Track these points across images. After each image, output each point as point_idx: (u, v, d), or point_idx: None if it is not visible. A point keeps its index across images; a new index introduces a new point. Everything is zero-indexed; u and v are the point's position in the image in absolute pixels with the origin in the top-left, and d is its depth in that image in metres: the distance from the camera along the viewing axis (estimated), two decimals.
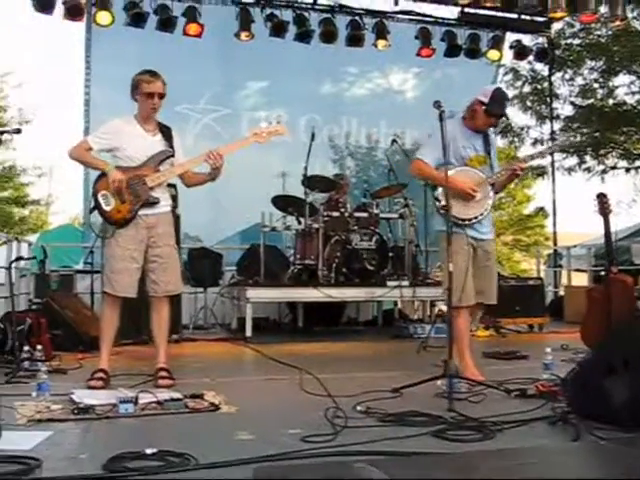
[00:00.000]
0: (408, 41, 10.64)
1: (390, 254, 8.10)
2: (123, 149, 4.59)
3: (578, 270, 11.34)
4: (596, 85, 14.99)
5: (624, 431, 2.99)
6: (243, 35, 9.85)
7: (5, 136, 5.76)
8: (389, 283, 7.67)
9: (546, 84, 13.78)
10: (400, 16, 10.69)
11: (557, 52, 13.26)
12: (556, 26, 12.74)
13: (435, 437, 3.05)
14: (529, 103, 15.18)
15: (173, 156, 4.67)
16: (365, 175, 11.84)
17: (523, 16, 10.83)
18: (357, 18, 10.37)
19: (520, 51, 11.29)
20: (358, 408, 3.56)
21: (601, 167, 15.58)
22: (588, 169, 15.54)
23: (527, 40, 11.58)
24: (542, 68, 13.93)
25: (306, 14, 10.12)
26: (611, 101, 15.00)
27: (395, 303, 9.27)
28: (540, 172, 14.68)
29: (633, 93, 14.78)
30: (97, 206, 4.58)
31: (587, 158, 15.44)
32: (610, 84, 14.88)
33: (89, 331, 6.14)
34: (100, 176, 4.60)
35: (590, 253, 10.77)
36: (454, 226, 4.49)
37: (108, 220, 4.59)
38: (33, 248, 9.20)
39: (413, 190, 8.51)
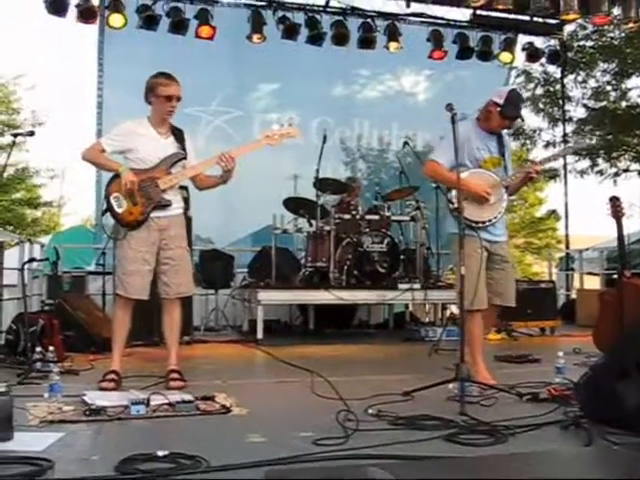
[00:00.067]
0: (420, 43, 10.63)
1: (401, 257, 8.09)
2: (136, 151, 4.60)
3: (590, 273, 11.28)
4: (609, 87, 14.90)
5: (637, 436, 2.97)
6: (255, 37, 9.88)
7: (18, 138, 5.77)
8: (400, 286, 7.65)
9: (558, 86, 13.72)
10: (412, 18, 10.69)
11: (569, 54, 13.19)
12: (568, 28, 12.68)
13: (447, 441, 3.03)
14: (541, 105, 15.09)
15: (185, 158, 4.69)
16: (377, 177, 11.85)
17: (535, 18, 10.81)
18: (369, 20, 10.38)
19: (532, 53, 11.27)
20: (369, 411, 3.55)
21: (613, 170, 15.47)
22: (600, 172, 15.43)
23: (539, 42, 11.56)
24: (554, 70, 13.85)
25: (318, 16, 10.14)
26: (624, 103, 14.90)
27: (406, 306, 9.25)
28: (552, 175, 14.59)
29: None
30: (109, 208, 4.59)
31: (599, 161, 15.35)
32: (623, 86, 14.78)
33: (101, 332, 6.16)
34: (112, 178, 4.61)
35: (602, 256, 10.72)
36: (467, 229, 4.47)
37: (120, 222, 4.60)
38: (45, 249, 9.23)
39: (425, 193, 8.50)
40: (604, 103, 14.91)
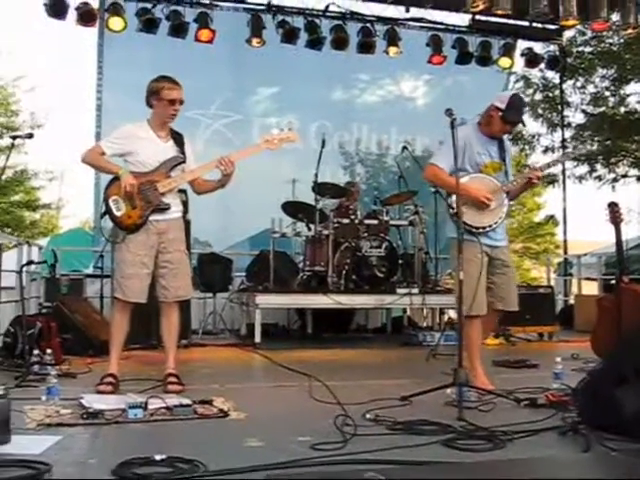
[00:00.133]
0: (419, 48, 10.65)
1: (400, 261, 8.09)
2: (135, 154, 4.60)
3: (588, 279, 11.29)
4: (608, 93, 14.96)
5: (635, 442, 2.97)
6: (254, 41, 9.89)
7: (17, 140, 5.77)
8: (399, 290, 7.65)
9: (557, 92, 13.75)
10: (411, 23, 10.71)
11: (568, 60, 13.24)
12: (568, 34, 12.73)
13: (445, 446, 3.03)
14: (540, 111, 15.16)
15: (184, 162, 4.69)
16: (375, 182, 11.86)
17: (535, 24, 10.83)
18: (368, 25, 10.39)
19: (531, 59, 11.30)
20: (367, 416, 3.55)
21: (612, 175, 15.53)
22: (599, 177, 15.50)
23: (538, 48, 11.59)
24: (553, 76, 13.91)
25: (317, 21, 10.16)
26: (622, 109, 14.96)
27: (404, 310, 9.25)
28: (551, 180, 14.63)
29: None
30: (108, 211, 4.59)
31: (598, 166, 15.40)
32: (622, 92, 14.85)
33: (99, 335, 6.14)
34: (111, 181, 4.61)
35: (600, 261, 10.73)
36: (467, 234, 4.47)
37: (119, 225, 4.60)
38: (44, 252, 9.23)
39: (423, 197, 8.51)
40: (603, 109, 14.97)
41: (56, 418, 3.45)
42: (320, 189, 8.02)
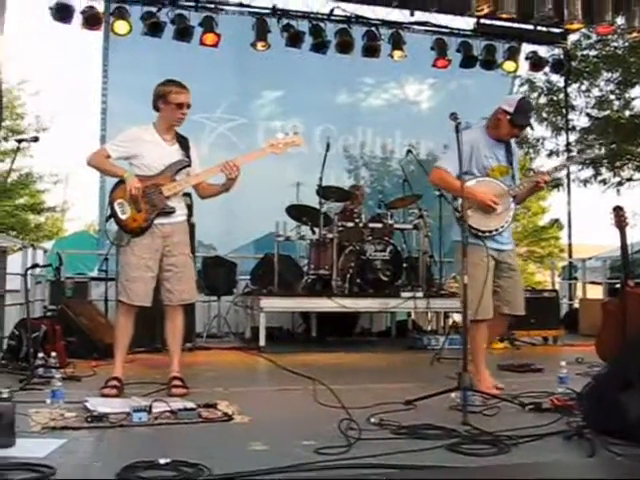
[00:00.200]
0: (424, 52, 10.66)
1: (404, 265, 8.09)
2: (141, 157, 4.61)
3: (593, 282, 11.25)
4: (612, 97, 14.93)
5: None
6: (259, 45, 9.91)
7: (22, 144, 5.79)
8: (403, 294, 7.64)
9: (562, 95, 13.74)
10: (416, 27, 10.72)
11: (573, 63, 13.21)
12: (572, 37, 12.70)
13: (449, 451, 3.02)
14: (545, 114, 15.12)
15: (190, 166, 4.69)
16: (380, 185, 11.85)
17: (539, 27, 10.83)
18: (373, 29, 10.40)
19: (536, 62, 11.29)
20: (372, 420, 3.54)
21: (617, 179, 15.49)
22: (604, 181, 15.45)
23: (543, 51, 11.59)
24: (558, 79, 13.89)
25: (322, 24, 10.17)
26: (627, 113, 14.93)
27: (409, 314, 9.23)
28: (555, 184, 14.60)
29: None
30: (113, 214, 4.60)
31: (603, 170, 15.36)
32: (627, 96, 14.82)
33: (103, 338, 6.15)
34: (117, 184, 4.62)
35: (605, 265, 10.69)
36: (473, 237, 4.46)
37: (124, 228, 4.61)
38: (48, 255, 9.25)
39: (428, 201, 8.51)
40: (607, 112, 14.94)
41: (61, 421, 3.45)
42: (324, 192, 8.02)
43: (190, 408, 3.71)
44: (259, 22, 9.91)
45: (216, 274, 8.57)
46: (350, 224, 8.08)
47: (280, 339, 8.24)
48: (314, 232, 8.21)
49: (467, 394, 3.79)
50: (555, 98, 14.71)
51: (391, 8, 10.47)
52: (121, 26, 9.27)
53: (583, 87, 14.81)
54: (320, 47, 10.13)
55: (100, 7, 9.32)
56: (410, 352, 7.47)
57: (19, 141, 5.72)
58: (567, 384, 4.23)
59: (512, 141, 4.84)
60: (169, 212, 4.61)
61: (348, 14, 10.38)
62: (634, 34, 9.93)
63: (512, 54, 10.99)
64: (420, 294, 7.67)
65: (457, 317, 8.16)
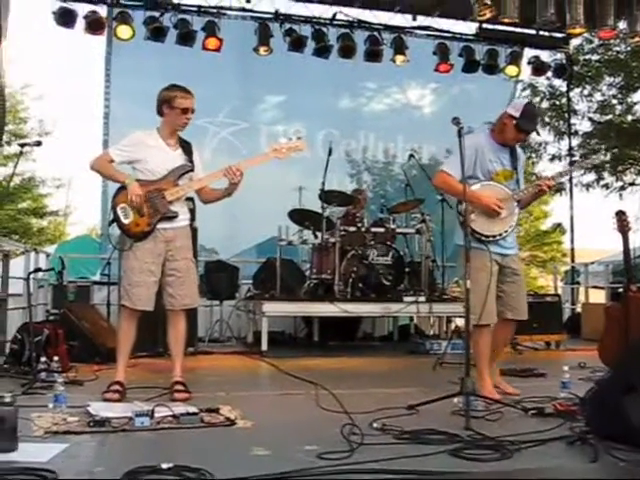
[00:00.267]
0: (426, 56, 10.66)
1: (406, 269, 8.09)
2: (144, 162, 4.61)
3: (596, 287, 11.24)
4: (615, 101, 14.95)
5: None
6: (262, 50, 9.92)
7: (25, 148, 5.81)
8: (405, 299, 7.63)
9: (564, 100, 13.73)
10: (418, 31, 10.73)
11: (575, 68, 13.24)
12: (574, 42, 12.73)
13: (452, 456, 3.02)
14: (547, 119, 15.14)
15: (193, 171, 4.70)
16: (382, 190, 11.85)
17: (541, 32, 10.84)
18: (375, 33, 10.41)
19: (538, 67, 11.29)
20: (374, 425, 3.53)
21: (619, 184, 15.50)
22: (606, 185, 15.46)
23: (545, 56, 11.59)
24: (560, 84, 13.91)
25: (324, 29, 10.18)
26: (630, 117, 14.95)
27: (411, 318, 9.23)
28: (558, 188, 14.61)
29: None
30: (116, 219, 4.60)
31: (605, 175, 15.37)
32: (629, 100, 14.84)
33: (105, 343, 6.15)
34: (120, 189, 4.63)
35: (608, 270, 10.70)
36: (477, 242, 4.46)
37: (127, 233, 4.61)
38: (51, 259, 9.25)
39: (430, 205, 8.51)
40: (610, 117, 14.96)
41: (63, 426, 3.45)
42: (327, 197, 8.03)
43: (192, 413, 3.70)
44: (261, 27, 9.92)
45: (218, 278, 8.57)
46: (352, 228, 8.08)
47: (282, 344, 8.24)
48: (316, 236, 8.20)
49: (470, 399, 3.79)
50: (557, 103, 14.74)
51: (393, 13, 10.50)
52: (124, 31, 9.29)
53: (585, 91, 14.84)
54: (322, 52, 10.14)
55: (103, 12, 9.34)
56: (412, 357, 7.46)
57: (22, 145, 5.75)
58: (570, 389, 4.22)
59: (517, 145, 4.84)
60: (172, 217, 4.61)
61: (350, 19, 10.40)
62: (636, 39, 9.93)
63: (514, 59, 10.99)
64: (422, 299, 7.67)
65: (460, 322, 8.14)
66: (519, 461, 2.96)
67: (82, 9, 9.16)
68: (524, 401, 4.21)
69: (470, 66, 10.80)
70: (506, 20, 9.27)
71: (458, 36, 10.92)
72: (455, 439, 3.27)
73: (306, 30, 10.12)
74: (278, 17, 10.08)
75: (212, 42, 9.64)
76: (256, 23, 9.97)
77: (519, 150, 4.89)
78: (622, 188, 15.48)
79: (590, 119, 15.05)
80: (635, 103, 14.88)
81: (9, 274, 6.75)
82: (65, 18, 9.07)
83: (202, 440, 3.37)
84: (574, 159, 12.87)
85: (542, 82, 14.78)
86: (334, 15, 10.29)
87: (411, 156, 9.08)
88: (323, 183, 7.96)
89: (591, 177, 15.37)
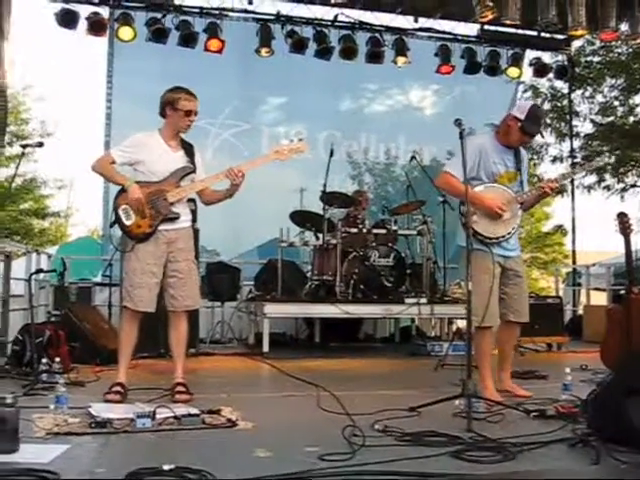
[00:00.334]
0: (428, 58, 10.66)
1: (408, 271, 8.09)
2: (146, 163, 4.61)
3: (597, 289, 11.23)
4: (616, 103, 14.92)
5: None
6: (263, 51, 9.93)
7: (27, 149, 5.81)
8: (407, 300, 7.63)
9: (566, 102, 13.73)
10: (420, 33, 10.74)
11: (577, 70, 13.21)
12: (576, 44, 12.72)
13: (454, 458, 3.01)
14: (548, 120, 15.11)
15: (194, 172, 4.70)
16: (383, 191, 11.86)
17: (543, 34, 10.85)
18: (377, 35, 10.41)
19: (540, 68, 11.29)
20: (376, 427, 3.54)
21: (621, 185, 15.47)
22: (608, 187, 15.42)
23: (547, 57, 11.61)
24: (562, 86, 13.88)
25: (326, 31, 10.18)
26: (632, 119, 14.91)
27: (412, 320, 9.23)
28: (559, 190, 14.57)
29: None
30: (118, 220, 4.60)
31: (607, 176, 15.34)
32: (630, 102, 14.80)
33: (107, 344, 6.15)
34: (121, 190, 4.62)
35: (610, 272, 10.67)
36: (480, 244, 4.46)
37: (128, 234, 4.61)
38: (53, 260, 9.26)
39: (431, 207, 8.50)
40: (611, 118, 14.93)
41: (64, 427, 3.45)
42: (328, 198, 8.03)
43: (194, 414, 3.70)
44: (263, 28, 9.93)
45: (220, 280, 8.57)
46: (354, 230, 8.08)
47: (284, 345, 8.25)
48: (318, 238, 8.21)
49: (471, 401, 3.78)
50: (559, 104, 14.71)
51: (395, 14, 10.50)
52: (126, 32, 9.30)
53: (587, 93, 14.80)
54: (324, 53, 10.15)
55: (105, 13, 9.35)
56: (414, 358, 7.46)
57: (24, 146, 5.75)
58: (571, 391, 4.22)
59: (521, 147, 4.83)
60: (173, 218, 4.61)
61: (352, 20, 10.39)
62: (638, 40, 9.93)
63: (516, 60, 10.99)
64: (424, 300, 7.67)
65: (461, 323, 8.14)
66: (521, 463, 2.96)
67: (84, 10, 9.17)
68: (526, 403, 4.21)
69: (472, 68, 10.80)
70: (508, 22, 9.26)
71: (460, 38, 10.92)
72: (457, 441, 3.27)
73: (308, 31, 10.12)
74: (280, 18, 10.08)
75: (214, 43, 9.64)
76: (258, 24, 9.98)
77: (523, 152, 4.88)
78: (624, 190, 15.44)
79: (592, 121, 15.01)
80: (637, 105, 14.83)
81: (11, 275, 6.75)
82: (67, 19, 9.07)
83: (203, 441, 3.37)
84: (576, 161, 12.84)
85: (544, 84, 14.75)
86: (336, 17, 10.29)
87: (412, 157, 9.08)
88: (324, 184, 7.97)
89: (592, 179, 15.33)
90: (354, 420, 3.54)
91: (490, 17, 8.99)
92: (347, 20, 10.38)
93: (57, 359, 4.95)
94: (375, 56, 10.37)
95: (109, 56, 9.99)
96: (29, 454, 2.95)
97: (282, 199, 9.19)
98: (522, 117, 4.56)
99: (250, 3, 10.00)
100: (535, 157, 15.72)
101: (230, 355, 7.38)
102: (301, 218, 8.31)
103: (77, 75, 49.06)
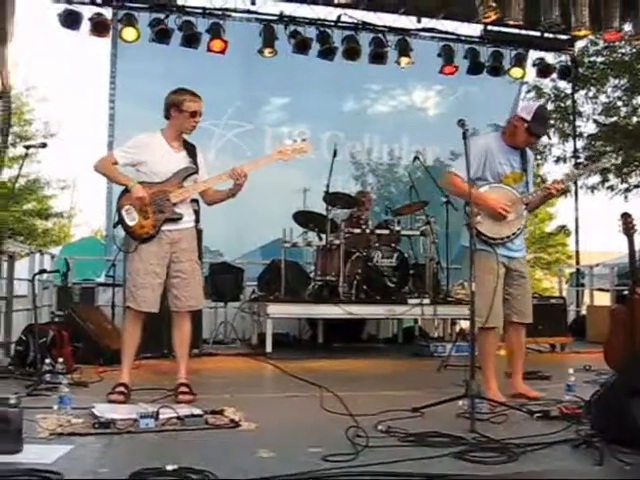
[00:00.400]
0: (431, 58, 10.67)
1: (411, 271, 8.09)
2: (148, 164, 4.61)
3: (601, 289, 11.21)
4: (620, 103, 14.90)
5: None
6: (266, 51, 9.94)
7: (30, 149, 5.82)
8: (410, 301, 7.62)
9: (569, 102, 13.73)
10: (423, 34, 10.74)
11: (580, 70, 13.19)
12: (579, 44, 12.70)
13: (457, 459, 3.01)
14: (552, 121, 15.09)
15: (197, 173, 4.70)
16: (386, 192, 11.86)
17: (546, 34, 10.83)
18: (380, 35, 10.41)
19: (543, 69, 11.29)
20: (379, 427, 3.53)
21: (624, 186, 15.44)
22: (611, 187, 15.41)
23: (550, 58, 11.59)
24: (565, 86, 13.89)
25: (329, 31, 10.19)
26: (635, 119, 14.89)
27: (416, 321, 9.22)
28: (563, 190, 14.56)
29: None
30: (121, 220, 4.60)
31: (610, 176, 15.32)
32: (634, 102, 14.78)
33: (110, 344, 6.16)
34: (125, 191, 4.62)
35: (613, 272, 10.65)
36: (484, 245, 4.45)
37: (131, 235, 4.61)
38: (56, 260, 9.28)
39: (434, 207, 8.50)
40: (615, 119, 14.91)
41: (68, 427, 3.45)
42: (331, 199, 8.03)
43: (197, 415, 3.70)
44: (266, 29, 9.93)
45: (223, 280, 8.57)
46: (357, 230, 8.08)
47: (287, 345, 8.24)
48: (321, 238, 8.21)
49: (475, 401, 3.78)
50: (562, 105, 14.70)
51: (398, 15, 10.50)
52: (129, 33, 9.32)
53: (590, 93, 14.78)
54: (327, 54, 10.15)
55: (108, 14, 9.36)
56: (417, 359, 7.46)
57: (27, 147, 5.75)
58: (575, 392, 4.21)
59: (527, 147, 4.82)
60: (177, 218, 4.61)
61: (355, 21, 10.39)
62: None
63: (519, 61, 10.99)
64: (427, 301, 7.65)
65: (464, 324, 8.13)
66: (524, 464, 2.96)
67: (87, 11, 9.19)
68: (529, 404, 4.20)
69: (475, 68, 10.80)
70: (511, 22, 9.25)
71: (463, 38, 10.92)
72: (460, 442, 3.27)
73: (311, 32, 10.13)
74: (283, 19, 10.09)
75: (217, 44, 9.65)
76: (261, 25, 9.99)
77: (529, 152, 4.87)
78: (627, 190, 15.42)
79: (595, 121, 15.00)
80: None
81: (14, 275, 6.76)
82: (70, 20, 9.08)
83: (206, 442, 3.37)
84: (579, 161, 12.83)
85: (547, 84, 14.75)
86: (339, 17, 10.30)
87: (416, 158, 9.06)
88: (328, 185, 7.97)
89: (596, 179, 15.31)
90: (357, 421, 3.54)
91: (493, 17, 8.99)
92: (350, 20, 10.38)
93: (60, 359, 4.94)
94: (378, 56, 10.38)
95: (112, 57, 10.02)
96: (33, 454, 2.95)
97: (285, 199, 9.19)
98: (528, 118, 4.55)
99: (253, 3, 10.00)
100: (539, 157, 15.70)
101: (233, 355, 7.38)
102: (304, 218, 8.31)
103: (80, 76, 49.08)
